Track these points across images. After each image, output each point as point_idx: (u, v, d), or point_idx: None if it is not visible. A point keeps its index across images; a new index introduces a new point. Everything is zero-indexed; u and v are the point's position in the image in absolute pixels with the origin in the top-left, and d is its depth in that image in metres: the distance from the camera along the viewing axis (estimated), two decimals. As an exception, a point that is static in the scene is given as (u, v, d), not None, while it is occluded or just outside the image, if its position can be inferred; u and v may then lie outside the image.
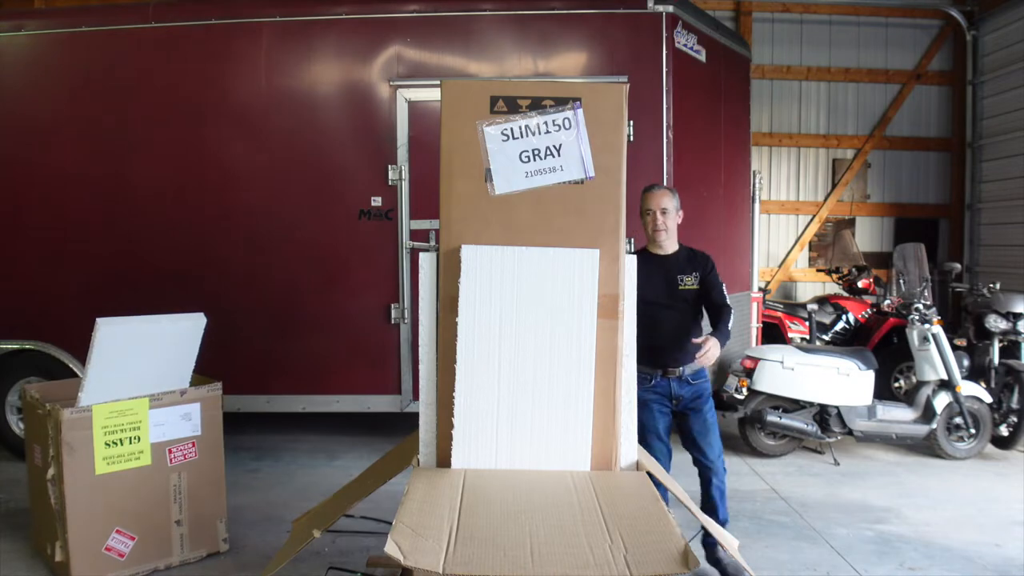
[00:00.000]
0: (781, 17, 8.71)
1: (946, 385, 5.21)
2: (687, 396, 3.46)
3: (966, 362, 5.43)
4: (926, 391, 5.26)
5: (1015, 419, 5.30)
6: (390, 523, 1.90)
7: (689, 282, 3.41)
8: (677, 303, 3.41)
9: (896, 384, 6.37)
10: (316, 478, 4.82)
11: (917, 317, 5.39)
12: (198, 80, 4.99)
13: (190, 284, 4.93)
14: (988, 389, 5.32)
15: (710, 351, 3.09)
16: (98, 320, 3.18)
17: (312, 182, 4.96)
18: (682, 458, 5.27)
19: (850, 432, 5.16)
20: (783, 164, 8.97)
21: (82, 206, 5.04)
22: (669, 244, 3.47)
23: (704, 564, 3.47)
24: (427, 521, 1.93)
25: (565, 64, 4.97)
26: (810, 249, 9.05)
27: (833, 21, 8.78)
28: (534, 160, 2.40)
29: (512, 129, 2.40)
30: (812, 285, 8.89)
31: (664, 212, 3.40)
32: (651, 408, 3.44)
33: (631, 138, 4.72)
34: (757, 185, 6.46)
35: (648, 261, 3.32)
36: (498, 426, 2.36)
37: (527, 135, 2.40)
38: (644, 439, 3.35)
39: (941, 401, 5.19)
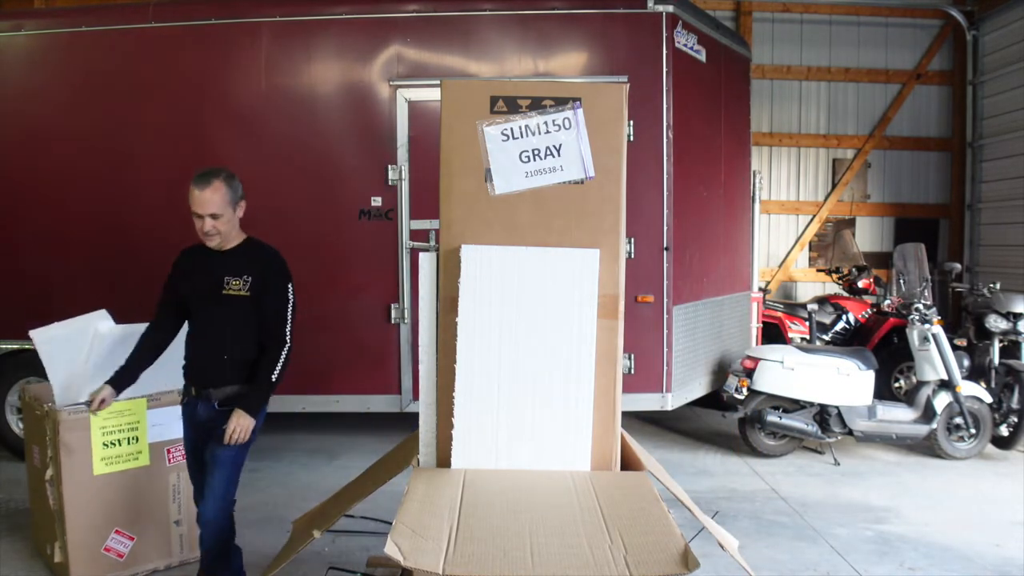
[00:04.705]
0: (781, 17, 8.71)
1: (946, 385, 5.21)
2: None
3: (966, 362, 5.43)
4: (926, 391, 5.25)
5: (1015, 419, 5.29)
6: (390, 523, 1.90)
7: (237, 286, 2.93)
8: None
9: (896, 384, 6.36)
10: (316, 478, 4.82)
11: (917, 317, 5.39)
12: (198, 80, 4.99)
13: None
14: (988, 389, 5.32)
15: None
16: (31, 332, 3.38)
17: (312, 182, 4.96)
18: (682, 458, 5.31)
19: (850, 432, 5.16)
20: (783, 164, 8.96)
21: (82, 206, 5.04)
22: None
23: None
24: (427, 521, 1.92)
25: (565, 64, 4.97)
26: (810, 249, 9.04)
27: (833, 21, 8.77)
28: (534, 160, 2.40)
29: (512, 129, 2.39)
30: (812, 285, 8.88)
31: (215, 217, 2.94)
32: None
33: (631, 138, 4.72)
34: (757, 185, 6.46)
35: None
36: (498, 426, 2.35)
37: (527, 135, 2.40)
38: None
39: (941, 401, 5.19)
